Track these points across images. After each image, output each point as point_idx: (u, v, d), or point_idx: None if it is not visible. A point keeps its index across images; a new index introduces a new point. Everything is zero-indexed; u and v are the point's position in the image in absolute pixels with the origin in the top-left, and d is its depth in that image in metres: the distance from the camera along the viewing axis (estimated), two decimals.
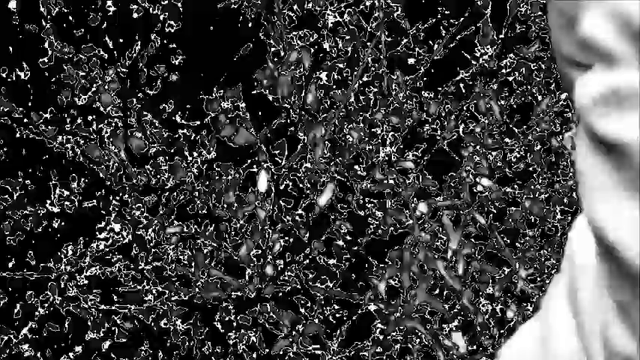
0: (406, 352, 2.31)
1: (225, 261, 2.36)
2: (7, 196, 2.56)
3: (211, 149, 2.50)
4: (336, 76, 2.58)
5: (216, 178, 2.45)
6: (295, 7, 2.56)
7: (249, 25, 2.53)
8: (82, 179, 2.56)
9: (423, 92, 2.56)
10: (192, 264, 2.39)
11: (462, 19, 2.51)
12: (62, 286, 2.51)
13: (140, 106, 2.58)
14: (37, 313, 2.51)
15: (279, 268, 2.35)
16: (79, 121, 2.58)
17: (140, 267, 2.47)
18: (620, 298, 0.63)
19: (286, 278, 2.34)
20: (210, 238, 2.39)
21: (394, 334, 2.28)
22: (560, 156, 2.51)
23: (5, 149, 2.58)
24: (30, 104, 2.60)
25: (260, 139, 2.49)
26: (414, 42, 2.57)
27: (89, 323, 2.48)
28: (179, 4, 2.59)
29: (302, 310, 2.36)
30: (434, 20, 2.55)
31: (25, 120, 2.60)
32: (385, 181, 2.41)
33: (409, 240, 2.35)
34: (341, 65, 2.58)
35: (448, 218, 2.34)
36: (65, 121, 2.58)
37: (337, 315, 2.34)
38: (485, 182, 2.38)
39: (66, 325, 2.50)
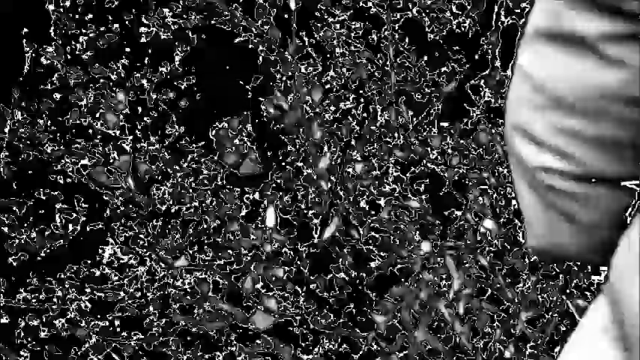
0: None
1: (229, 292, 2.38)
2: (12, 216, 2.57)
3: (217, 178, 2.51)
4: (342, 107, 2.60)
5: (221, 206, 2.47)
6: (305, 37, 2.58)
7: (260, 58, 2.54)
8: (87, 202, 2.58)
9: (427, 128, 2.58)
10: (196, 294, 2.41)
11: (468, 65, 2.54)
12: (64, 309, 2.52)
13: (147, 130, 2.60)
14: (38, 336, 2.52)
15: (282, 302, 2.37)
16: (85, 143, 2.59)
17: (140, 291, 2.49)
18: None
19: (289, 312, 2.37)
20: (214, 269, 2.41)
21: None
22: None
23: (11, 169, 2.59)
24: (37, 125, 2.61)
25: (265, 170, 2.51)
26: (421, 77, 2.60)
27: (89, 348, 2.49)
28: (189, 32, 2.60)
29: (303, 344, 2.38)
30: (446, 66, 2.57)
31: (31, 141, 2.61)
32: (389, 218, 2.44)
33: (411, 277, 2.38)
34: (347, 94, 2.60)
35: (451, 258, 2.37)
36: (72, 143, 2.59)
37: (338, 350, 2.37)
38: (488, 224, 2.41)
39: (68, 349, 2.52)
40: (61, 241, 2.56)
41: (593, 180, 0.71)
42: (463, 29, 2.60)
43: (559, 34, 0.71)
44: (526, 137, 0.74)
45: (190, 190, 2.52)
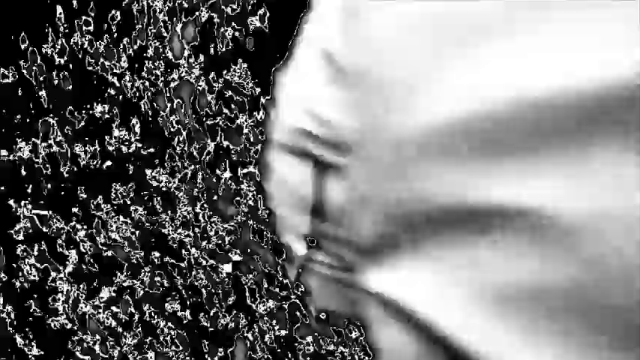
0: None
1: (274, 244, 2.43)
2: (67, 129, 2.60)
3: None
4: None
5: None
6: None
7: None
8: (142, 126, 2.60)
9: None
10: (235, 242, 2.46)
11: None
12: (107, 226, 2.58)
13: (211, 64, 2.60)
14: (81, 249, 2.59)
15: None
16: (148, 65, 2.60)
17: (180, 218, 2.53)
18: None
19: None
20: (258, 219, 2.45)
21: None
22: None
23: (71, 81, 2.61)
24: (100, 42, 2.62)
25: None
26: None
27: (125, 268, 2.56)
28: None
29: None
30: None
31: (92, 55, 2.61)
32: None
33: None
34: None
35: None
36: (135, 63, 2.61)
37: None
38: None
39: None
40: (109, 161, 2.61)
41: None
42: None
43: (298, 149, 0.72)
44: (293, 233, 0.78)
45: (242, 126, 2.54)
